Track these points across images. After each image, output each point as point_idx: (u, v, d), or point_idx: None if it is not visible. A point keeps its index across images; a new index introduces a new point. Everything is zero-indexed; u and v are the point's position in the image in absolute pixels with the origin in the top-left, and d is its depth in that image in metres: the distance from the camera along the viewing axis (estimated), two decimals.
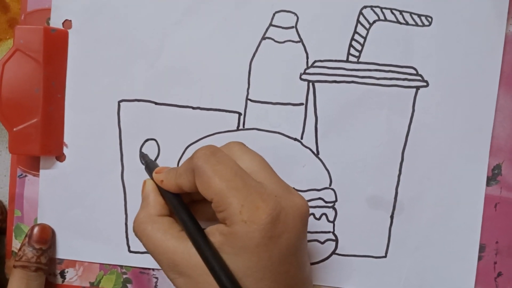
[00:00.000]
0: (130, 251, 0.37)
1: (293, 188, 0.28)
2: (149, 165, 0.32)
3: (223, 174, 0.26)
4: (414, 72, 0.35)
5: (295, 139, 0.36)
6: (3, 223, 0.37)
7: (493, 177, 0.36)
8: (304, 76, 0.35)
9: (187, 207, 0.29)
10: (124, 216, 0.36)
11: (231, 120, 0.36)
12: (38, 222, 0.36)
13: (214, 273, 0.25)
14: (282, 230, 0.25)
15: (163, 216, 0.29)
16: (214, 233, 0.26)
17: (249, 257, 0.25)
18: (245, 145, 0.30)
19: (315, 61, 0.35)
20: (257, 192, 0.26)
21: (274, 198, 0.26)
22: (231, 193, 0.25)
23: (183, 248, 0.27)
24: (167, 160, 0.36)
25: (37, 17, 0.36)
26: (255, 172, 0.28)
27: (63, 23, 0.36)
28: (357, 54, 0.35)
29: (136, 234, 0.29)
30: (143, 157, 0.34)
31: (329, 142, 0.36)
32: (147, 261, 0.37)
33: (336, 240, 0.36)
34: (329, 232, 0.36)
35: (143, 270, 0.37)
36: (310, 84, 0.35)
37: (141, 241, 0.29)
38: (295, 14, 0.35)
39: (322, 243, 0.36)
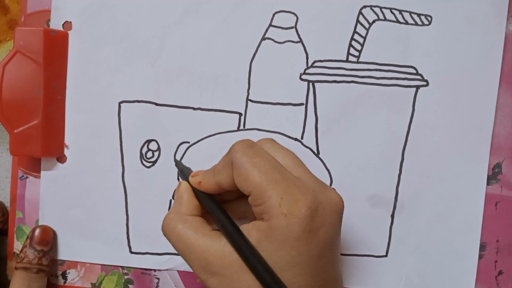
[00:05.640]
0: (131, 252, 0.37)
1: None
2: (184, 171, 0.32)
3: (261, 166, 0.26)
4: (414, 71, 0.35)
5: (296, 139, 0.36)
6: (4, 225, 0.37)
7: (493, 175, 0.36)
8: (304, 76, 0.35)
9: (221, 206, 0.29)
10: (125, 217, 0.36)
11: (232, 121, 0.36)
12: (40, 223, 0.36)
13: (255, 271, 0.25)
14: (320, 224, 0.25)
15: (194, 216, 0.29)
16: (249, 231, 0.26)
17: (289, 252, 0.25)
18: (276, 141, 0.30)
19: (315, 61, 0.35)
20: (296, 186, 0.25)
21: (312, 192, 0.26)
22: (270, 186, 0.25)
23: (216, 246, 0.26)
24: (168, 161, 0.36)
25: (37, 18, 0.36)
26: (290, 168, 0.27)
27: (63, 25, 0.36)
28: (356, 54, 0.35)
29: (164, 233, 0.29)
30: (178, 164, 0.34)
31: (330, 141, 0.36)
32: (149, 262, 0.37)
33: None
34: None
35: (145, 271, 0.37)
36: (310, 84, 0.35)
37: (170, 240, 0.28)
38: (295, 15, 0.35)
39: None
